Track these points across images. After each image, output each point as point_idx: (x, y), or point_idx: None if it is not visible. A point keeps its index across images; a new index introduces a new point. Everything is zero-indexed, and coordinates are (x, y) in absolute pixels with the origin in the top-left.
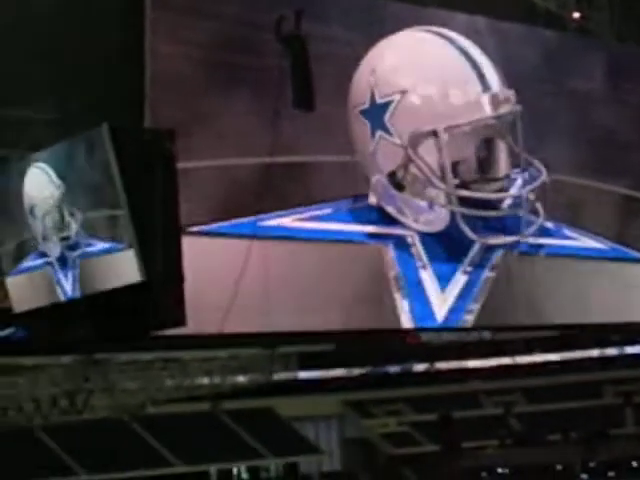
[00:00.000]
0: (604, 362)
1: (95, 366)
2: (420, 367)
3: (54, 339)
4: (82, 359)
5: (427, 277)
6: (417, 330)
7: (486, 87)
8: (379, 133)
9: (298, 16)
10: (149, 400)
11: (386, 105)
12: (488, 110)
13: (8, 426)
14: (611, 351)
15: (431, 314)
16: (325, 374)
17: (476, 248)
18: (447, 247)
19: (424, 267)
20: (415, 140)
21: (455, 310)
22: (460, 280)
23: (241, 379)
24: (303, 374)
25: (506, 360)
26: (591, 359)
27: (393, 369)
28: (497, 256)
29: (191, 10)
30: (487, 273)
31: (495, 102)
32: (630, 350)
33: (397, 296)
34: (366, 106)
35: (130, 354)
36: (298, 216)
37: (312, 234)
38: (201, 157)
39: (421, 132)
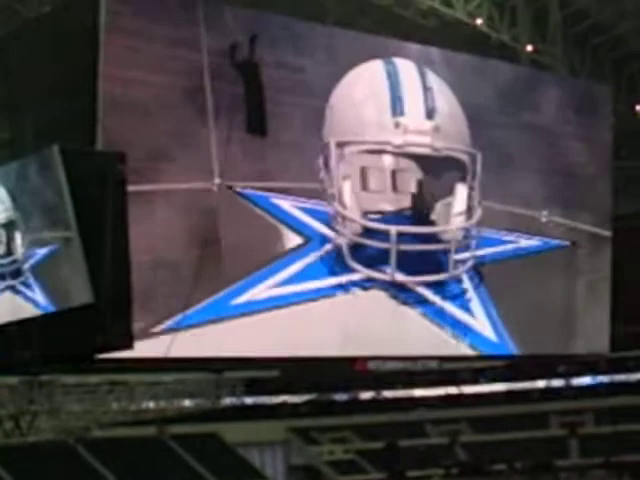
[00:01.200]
0: (550, 393)
1: (40, 388)
2: (367, 395)
3: (0, 360)
4: (27, 380)
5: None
6: (364, 358)
7: (399, 112)
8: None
9: (252, 42)
10: (95, 423)
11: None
12: (390, 135)
13: None
14: (557, 382)
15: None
16: (271, 400)
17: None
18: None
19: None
20: (325, 151)
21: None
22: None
23: (187, 403)
24: (249, 400)
25: (452, 389)
26: (537, 390)
27: (339, 397)
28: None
29: (143, 35)
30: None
31: (401, 129)
32: (576, 382)
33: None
34: None
35: (76, 376)
36: (264, 284)
37: (288, 299)
38: (152, 180)
39: (324, 144)
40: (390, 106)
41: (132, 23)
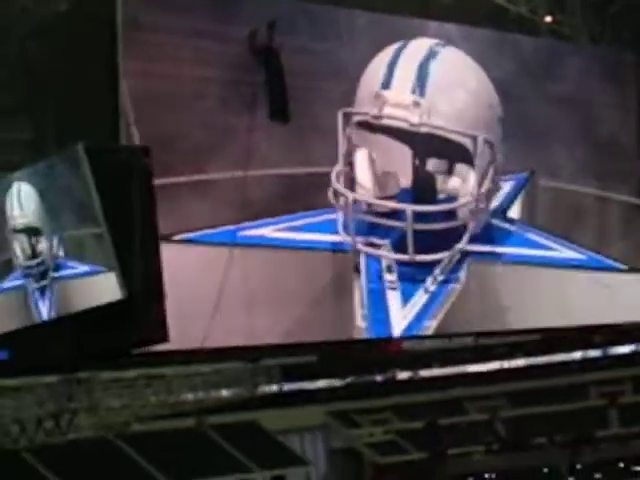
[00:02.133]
0: (587, 364)
1: (79, 385)
2: (404, 375)
3: (36, 359)
4: (65, 378)
5: (392, 291)
6: (399, 338)
7: (385, 86)
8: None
9: (270, 29)
10: (134, 418)
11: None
12: (371, 106)
13: None
14: (594, 353)
15: (388, 331)
16: (309, 385)
17: (445, 261)
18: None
19: (392, 281)
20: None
21: (411, 328)
22: (422, 297)
23: (225, 393)
24: (287, 386)
25: (489, 365)
26: (574, 361)
27: (377, 378)
28: (465, 268)
29: (162, 27)
30: (452, 286)
31: (380, 101)
32: (613, 351)
33: (358, 307)
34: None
35: (113, 372)
36: (276, 227)
37: (290, 243)
38: (178, 173)
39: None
40: (381, 80)
41: (149, 16)
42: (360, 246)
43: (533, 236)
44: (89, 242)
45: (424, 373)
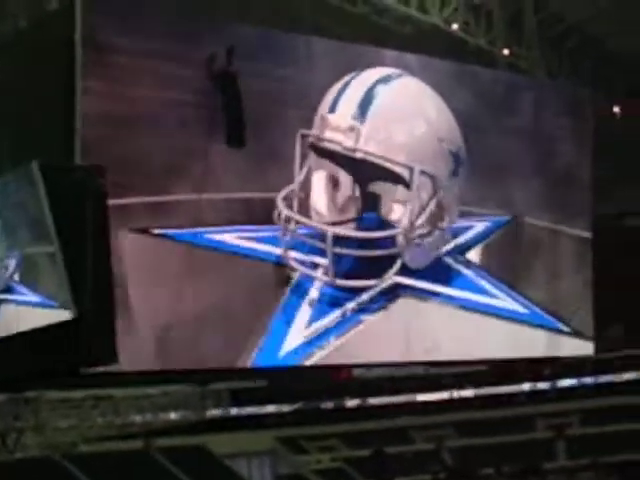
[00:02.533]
0: (535, 396)
1: (26, 404)
2: (353, 402)
3: None
4: (12, 397)
5: (308, 308)
6: (349, 366)
7: (331, 110)
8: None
9: (229, 53)
10: (81, 438)
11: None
12: (315, 129)
13: None
14: (542, 385)
15: (276, 349)
16: (257, 410)
17: (374, 290)
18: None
19: (311, 300)
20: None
21: (298, 350)
22: (327, 322)
23: (173, 416)
24: (235, 410)
25: (438, 395)
26: (522, 393)
27: (326, 405)
28: (394, 301)
29: (122, 48)
30: (367, 316)
31: (324, 124)
32: (561, 384)
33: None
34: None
35: (61, 392)
36: (239, 234)
37: (248, 252)
38: (134, 194)
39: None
40: (329, 104)
41: (108, 37)
42: (292, 261)
43: (482, 282)
44: (42, 260)
45: (373, 401)
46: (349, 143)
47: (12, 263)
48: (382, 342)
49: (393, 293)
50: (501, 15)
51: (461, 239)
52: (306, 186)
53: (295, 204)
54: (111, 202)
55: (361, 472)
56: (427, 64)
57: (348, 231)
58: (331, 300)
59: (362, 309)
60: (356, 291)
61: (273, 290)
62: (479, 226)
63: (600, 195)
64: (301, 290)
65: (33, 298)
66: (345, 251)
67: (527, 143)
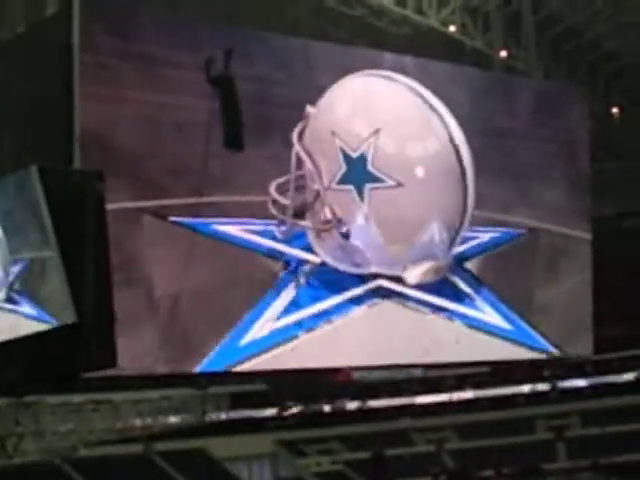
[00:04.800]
0: (535, 397)
1: (25, 409)
2: (352, 405)
3: None
4: (12, 402)
5: (279, 303)
6: (348, 368)
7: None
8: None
9: (227, 56)
10: (81, 442)
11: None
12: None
13: None
14: (542, 386)
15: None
16: (257, 413)
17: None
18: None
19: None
20: None
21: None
22: (298, 315)
23: (173, 420)
24: (235, 414)
25: (438, 397)
26: (522, 394)
27: (325, 408)
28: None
29: (119, 52)
30: (340, 316)
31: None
32: (561, 385)
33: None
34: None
35: (61, 396)
36: (242, 227)
37: (246, 244)
38: (131, 199)
39: None
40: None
41: (106, 40)
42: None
43: (475, 295)
44: (41, 265)
45: (373, 403)
46: None
47: (13, 269)
48: (350, 344)
49: (374, 295)
50: (498, 17)
51: (461, 248)
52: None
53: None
54: (109, 207)
55: (361, 474)
56: (424, 66)
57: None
58: (310, 297)
59: (337, 309)
60: (337, 290)
61: (257, 283)
62: (484, 236)
63: (599, 196)
64: (281, 285)
65: (31, 311)
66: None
67: (524, 145)
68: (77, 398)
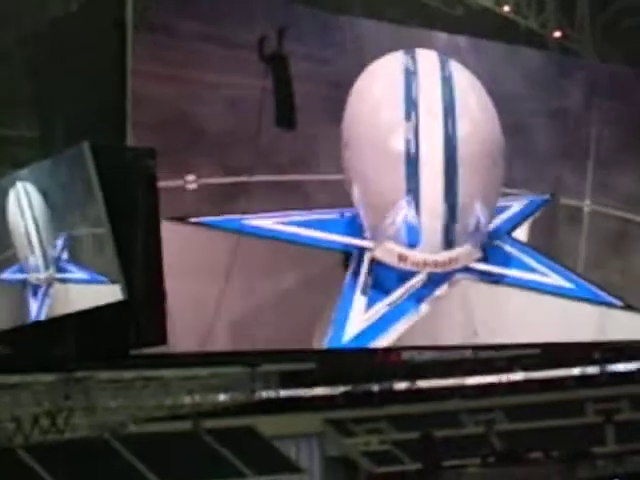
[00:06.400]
0: (585, 380)
1: (76, 384)
2: (401, 385)
3: (36, 357)
4: (64, 377)
5: (362, 295)
6: (398, 348)
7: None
8: None
9: (280, 35)
10: (130, 419)
11: None
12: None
13: None
14: (592, 369)
15: (340, 334)
16: (306, 392)
17: (419, 279)
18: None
19: (364, 287)
20: None
21: (365, 334)
22: (383, 309)
23: (222, 398)
24: (284, 392)
25: (487, 378)
26: (572, 377)
27: (374, 387)
28: (441, 289)
29: (172, 30)
30: (421, 306)
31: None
32: (611, 368)
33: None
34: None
35: (112, 372)
36: (279, 219)
37: (289, 237)
38: (182, 175)
39: None
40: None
41: (160, 19)
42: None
43: (530, 260)
44: (91, 242)
45: (422, 384)
46: None
47: (62, 245)
48: (444, 325)
49: (446, 276)
50: None
51: (504, 217)
52: None
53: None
54: (160, 184)
55: (409, 455)
56: (478, 45)
57: None
58: (384, 285)
59: (417, 293)
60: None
61: (329, 276)
62: (515, 205)
63: None
64: (356, 276)
65: (83, 275)
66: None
67: (576, 125)
68: (127, 374)
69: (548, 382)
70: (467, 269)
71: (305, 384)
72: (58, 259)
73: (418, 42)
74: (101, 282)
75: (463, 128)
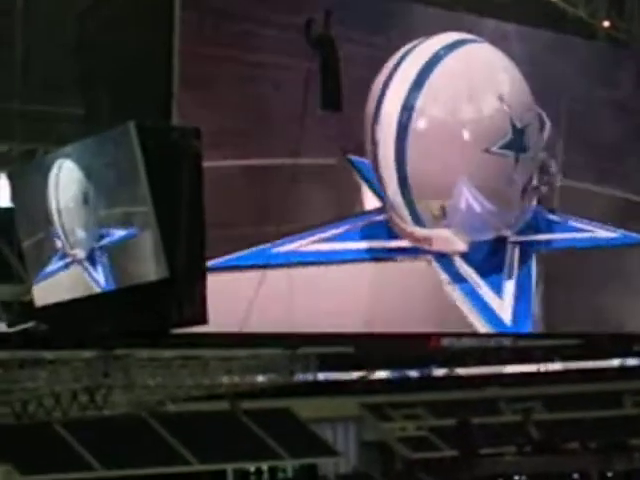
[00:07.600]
0: (624, 372)
1: (115, 362)
2: (440, 372)
3: (76, 334)
4: (103, 354)
5: (478, 283)
6: (439, 335)
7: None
8: (522, 156)
9: (327, 17)
10: (168, 397)
11: (525, 128)
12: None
13: (27, 420)
14: (632, 361)
15: (499, 320)
16: (344, 376)
17: (509, 252)
18: (483, 253)
19: (469, 274)
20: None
21: (519, 314)
22: (509, 285)
23: (260, 379)
24: (322, 375)
25: (526, 367)
26: (611, 369)
27: (413, 373)
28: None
29: (219, 11)
30: (532, 277)
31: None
32: None
33: (459, 304)
34: (508, 138)
35: (151, 351)
36: (310, 239)
37: (330, 256)
38: (226, 156)
39: None
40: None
41: (207, 0)
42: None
43: (573, 222)
44: (135, 220)
45: (460, 371)
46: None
47: (104, 221)
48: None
49: (503, 251)
50: None
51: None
52: None
53: None
54: (205, 164)
55: (446, 441)
56: (525, 33)
57: None
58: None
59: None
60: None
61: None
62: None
63: None
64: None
65: (121, 233)
66: None
67: (625, 115)
68: (167, 353)
69: (587, 373)
70: (521, 243)
71: (343, 368)
72: (100, 236)
73: (466, 28)
74: (138, 235)
75: (423, 100)
